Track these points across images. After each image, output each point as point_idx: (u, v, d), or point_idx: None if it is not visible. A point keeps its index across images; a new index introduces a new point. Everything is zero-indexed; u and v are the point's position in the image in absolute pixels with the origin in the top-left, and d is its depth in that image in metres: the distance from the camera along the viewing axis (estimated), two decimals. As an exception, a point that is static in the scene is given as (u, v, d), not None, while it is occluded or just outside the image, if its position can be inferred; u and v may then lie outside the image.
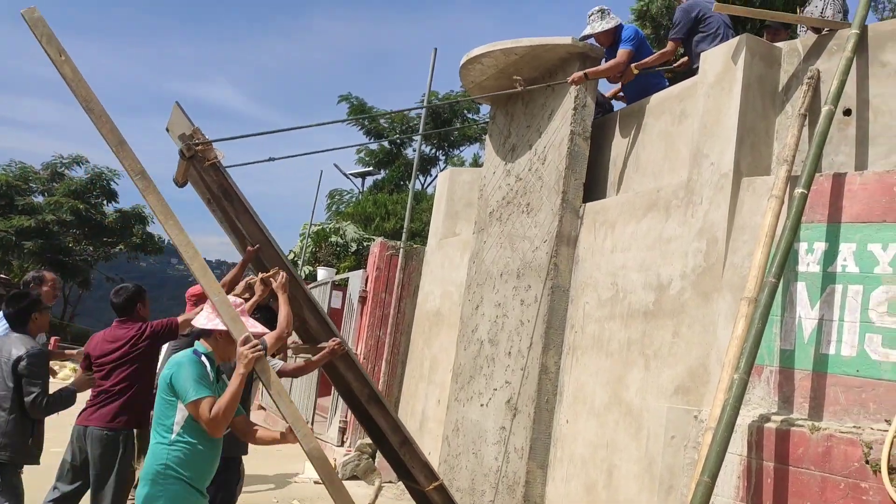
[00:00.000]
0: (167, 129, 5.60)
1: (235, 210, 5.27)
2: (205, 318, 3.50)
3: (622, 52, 5.94)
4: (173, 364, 3.32)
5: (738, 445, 3.75)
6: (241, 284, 4.72)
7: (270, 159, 5.61)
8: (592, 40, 6.18)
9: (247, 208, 5.30)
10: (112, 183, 36.23)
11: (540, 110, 6.47)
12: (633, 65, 5.99)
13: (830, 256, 3.90)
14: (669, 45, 5.95)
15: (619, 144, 6.04)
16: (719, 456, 3.45)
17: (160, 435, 3.25)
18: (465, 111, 24.86)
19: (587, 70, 5.91)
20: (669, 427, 4.20)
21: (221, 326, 3.44)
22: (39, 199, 35.24)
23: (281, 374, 4.65)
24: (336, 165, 21.70)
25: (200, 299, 5.23)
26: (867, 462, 3.30)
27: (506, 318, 6.32)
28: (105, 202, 36.62)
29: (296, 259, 15.22)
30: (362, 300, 8.87)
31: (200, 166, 5.09)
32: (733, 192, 4.40)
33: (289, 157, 5.57)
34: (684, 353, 4.53)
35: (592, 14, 6.10)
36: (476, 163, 23.91)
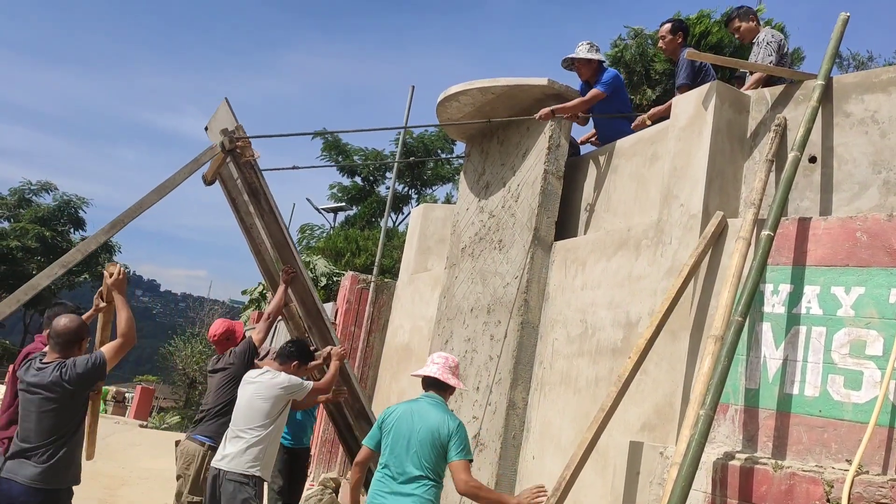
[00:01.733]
0: (206, 129, 5.94)
1: (261, 209, 5.71)
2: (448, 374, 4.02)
3: (594, 91, 6.07)
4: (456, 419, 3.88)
5: (703, 482, 3.76)
6: (324, 352, 5.68)
7: (295, 167, 6.72)
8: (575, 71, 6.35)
9: (272, 208, 5.76)
10: (80, 210, 35.80)
11: (514, 149, 6.57)
12: (643, 116, 6.05)
13: (795, 298, 3.98)
14: (677, 93, 6.01)
15: (591, 184, 6.15)
16: (684, 492, 3.46)
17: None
18: (439, 150, 25.08)
19: (554, 107, 6.03)
20: (634, 463, 4.20)
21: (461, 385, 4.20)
22: (5, 224, 34.62)
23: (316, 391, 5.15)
24: (308, 200, 21.69)
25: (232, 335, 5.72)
26: (828, 500, 3.33)
27: (475, 354, 6.31)
28: (72, 230, 36.09)
29: (265, 291, 15.09)
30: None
31: (237, 162, 5.48)
32: (702, 232, 4.48)
33: (312, 167, 5.98)
34: (651, 391, 4.56)
35: (583, 43, 6.25)
36: (449, 201, 24.09)
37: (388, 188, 24.12)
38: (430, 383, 4.01)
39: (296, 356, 5.10)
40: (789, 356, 3.91)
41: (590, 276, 5.45)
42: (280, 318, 6.35)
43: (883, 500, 3.16)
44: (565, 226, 6.15)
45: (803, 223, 4.11)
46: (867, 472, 3.34)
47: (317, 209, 21.52)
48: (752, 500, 3.60)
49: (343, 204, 22.48)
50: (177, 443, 5.40)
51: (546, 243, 5.98)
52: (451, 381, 4.00)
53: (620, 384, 4.20)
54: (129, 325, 3.96)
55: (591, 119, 6.72)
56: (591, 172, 6.16)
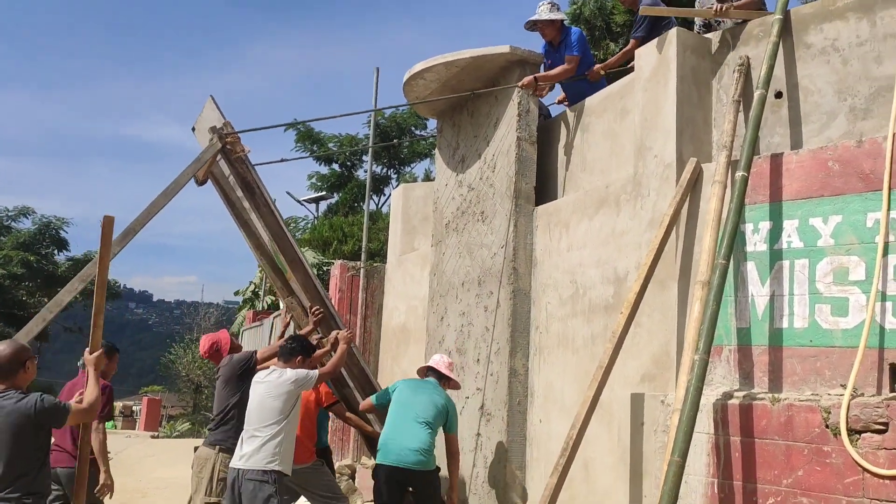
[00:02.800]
0: (192, 129, 6.02)
1: (256, 203, 5.84)
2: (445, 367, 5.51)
3: (571, 58, 6.10)
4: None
5: (705, 424, 3.85)
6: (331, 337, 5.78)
7: (283, 160, 6.78)
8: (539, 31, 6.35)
9: (267, 201, 5.88)
10: (61, 231, 35.53)
11: (485, 119, 6.58)
12: (597, 66, 6.20)
13: (775, 234, 4.05)
14: (631, 44, 6.08)
15: (565, 146, 6.17)
16: (687, 436, 3.54)
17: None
18: (413, 128, 24.99)
19: (537, 74, 6.06)
20: (637, 414, 4.29)
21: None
22: (-14, 254, 34.30)
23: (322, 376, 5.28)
24: (289, 193, 21.59)
25: (211, 352, 5.69)
26: (827, 426, 3.42)
27: (471, 327, 6.38)
28: (56, 251, 35.85)
29: (256, 290, 15.10)
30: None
31: (229, 158, 5.56)
32: (678, 181, 4.53)
33: (299, 157, 5.98)
34: (646, 342, 4.63)
35: (543, 4, 6.24)
36: (428, 178, 24.01)
37: (366, 171, 24.07)
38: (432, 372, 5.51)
39: (298, 351, 5.17)
40: (776, 291, 3.98)
41: (574, 237, 5.50)
42: (287, 318, 6.47)
43: (880, 420, 3.25)
44: (545, 190, 6.19)
45: (776, 159, 4.16)
46: (862, 395, 3.43)
47: (298, 201, 21.47)
48: (754, 436, 3.69)
49: (324, 193, 22.43)
50: (195, 449, 5.48)
51: (527, 210, 6.02)
52: (452, 375, 5.55)
53: (616, 340, 4.27)
54: (94, 401, 3.83)
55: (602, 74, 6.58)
56: (564, 134, 6.19)
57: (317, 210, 22.46)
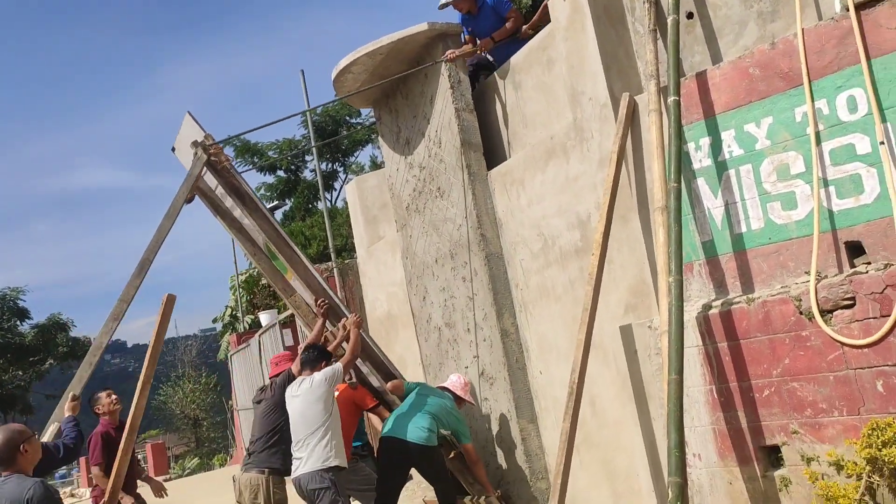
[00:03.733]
0: (173, 149, 6.17)
1: (248, 208, 6.01)
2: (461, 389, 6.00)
3: (512, 12, 6.37)
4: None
5: (692, 338, 4.09)
6: (341, 327, 5.98)
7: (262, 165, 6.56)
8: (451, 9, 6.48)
9: (258, 206, 6.09)
10: (19, 301, 34.78)
11: (420, 98, 6.69)
12: (525, 27, 6.39)
13: (716, 147, 4.27)
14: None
15: (502, 107, 6.32)
16: (679, 353, 3.78)
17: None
18: (347, 118, 24.89)
19: (494, 35, 6.30)
20: (629, 344, 4.52)
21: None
22: (-55, 340, 33.48)
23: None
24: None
25: (283, 359, 6.04)
26: (801, 313, 3.68)
27: (454, 299, 6.56)
28: (18, 322, 35.11)
29: (234, 312, 15.07)
30: (314, 329, 8.93)
31: (215, 168, 5.71)
32: (616, 117, 4.72)
33: (244, 171, 5.88)
34: (622, 276, 4.86)
35: None
36: (374, 163, 24.01)
37: (312, 171, 23.93)
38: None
39: (321, 357, 5.41)
40: (728, 200, 4.22)
41: (532, 192, 5.68)
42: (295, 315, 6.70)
43: (846, 297, 3.51)
44: (493, 153, 6.35)
45: (701, 77, 4.36)
46: (826, 277, 3.69)
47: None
48: (738, 338, 3.94)
49: (276, 202, 22.31)
50: (234, 479, 5.58)
51: (481, 176, 6.18)
52: (466, 397, 6.02)
53: (594, 281, 4.47)
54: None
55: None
56: (499, 96, 6.33)
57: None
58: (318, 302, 6.11)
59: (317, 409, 5.11)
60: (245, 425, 14.20)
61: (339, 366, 5.32)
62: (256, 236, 6.24)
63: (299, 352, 5.81)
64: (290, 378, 5.46)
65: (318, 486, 4.99)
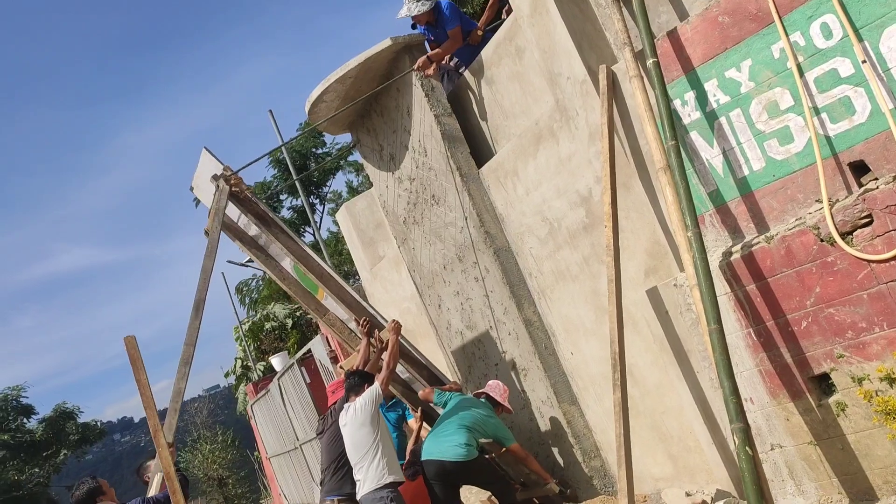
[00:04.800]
0: (191, 188, 6.30)
1: (274, 232, 6.14)
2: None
3: (454, 31, 6.36)
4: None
5: (720, 286, 4.16)
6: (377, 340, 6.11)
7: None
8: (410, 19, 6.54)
9: (282, 228, 6.17)
10: (22, 399, 34.43)
11: (396, 112, 6.74)
12: (476, 29, 6.48)
13: (702, 99, 4.34)
14: None
15: (479, 105, 6.38)
16: (713, 303, 3.85)
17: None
18: (313, 150, 24.91)
19: (429, 55, 6.27)
20: (658, 305, 4.58)
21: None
22: (-42, 453, 33.03)
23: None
24: (230, 261, 21.34)
25: (339, 386, 6.13)
26: (822, 240, 3.76)
27: (470, 301, 6.60)
28: (25, 420, 34.73)
29: (245, 363, 15.00)
30: (335, 360, 8.94)
31: (238, 198, 5.84)
32: (598, 91, 4.79)
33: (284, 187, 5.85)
34: (634, 242, 4.93)
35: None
36: (352, 188, 24.02)
37: (290, 209, 23.89)
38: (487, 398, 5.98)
39: (362, 381, 5.51)
40: (725, 147, 4.29)
41: (528, 181, 5.74)
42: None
43: (863, 215, 3.59)
44: (480, 151, 6.40)
45: (673, 35, 4.44)
46: (838, 201, 3.77)
47: (243, 265, 21.21)
48: (765, 277, 4.01)
49: (261, 246, 22.20)
50: None
51: (473, 175, 6.23)
52: (506, 403, 5.97)
53: (612, 251, 4.53)
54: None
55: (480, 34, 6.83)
56: (474, 94, 6.39)
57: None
58: (362, 322, 6.17)
59: (364, 432, 5.22)
60: (278, 471, 14.13)
61: (376, 386, 5.40)
62: (283, 260, 6.36)
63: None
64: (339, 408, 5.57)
65: None
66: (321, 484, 5.68)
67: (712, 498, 4.29)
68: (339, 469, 5.52)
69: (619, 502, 4.21)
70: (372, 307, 6.51)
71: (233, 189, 5.87)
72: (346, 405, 5.44)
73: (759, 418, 4.15)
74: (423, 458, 5.66)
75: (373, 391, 5.34)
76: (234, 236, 6.40)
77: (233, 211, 6.24)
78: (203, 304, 5.47)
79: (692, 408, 4.58)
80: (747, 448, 3.54)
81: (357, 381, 5.51)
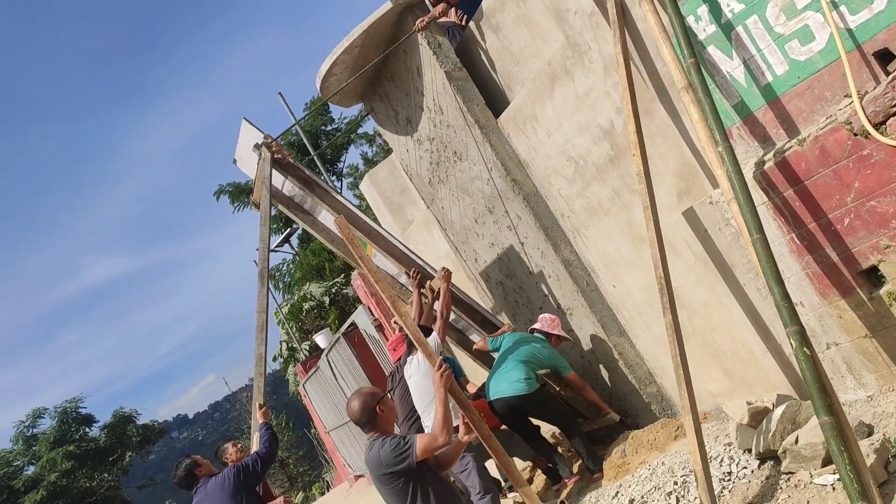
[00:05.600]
0: (234, 161, 6.55)
1: (320, 194, 6.37)
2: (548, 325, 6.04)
3: None
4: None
5: (757, 196, 4.16)
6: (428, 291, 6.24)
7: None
8: None
9: (327, 189, 6.38)
10: (80, 410, 35.48)
11: (407, 75, 6.74)
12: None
13: (716, 11, 4.29)
14: None
15: (488, 55, 6.36)
16: (754, 213, 3.86)
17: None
18: (323, 128, 24.92)
19: (426, 17, 6.26)
20: (697, 225, 4.60)
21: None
22: (30, 469, 34.26)
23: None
24: (258, 249, 21.58)
25: (399, 342, 6.24)
26: (856, 134, 3.74)
27: (506, 250, 6.66)
28: (87, 429, 35.85)
29: (291, 344, 15.29)
30: (379, 328, 9.10)
31: (281, 165, 6.03)
32: (609, 21, 4.76)
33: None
34: (662, 167, 4.93)
35: None
36: (367, 160, 24.05)
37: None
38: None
39: (423, 334, 5.59)
40: (745, 57, 4.25)
41: (547, 122, 5.74)
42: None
43: (894, 103, 3.57)
44: (495, 101, 6.40)
45: (677, -49, 4.38)
46: (867, 93, 3.74)
47: (272, 251, 21.49)
48: (801, 180, 4.01)
49: (288, 230, 22.44)
50: None
51: (492, 126, 6.24)
52: (557, 331, 6.10)
53: (644, 178, 4.54)
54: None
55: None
56: (481, 44, 6.37)
57: (292, 248, 22.51)
58: (412, 273, 6.29)
59: (427, 383, 5.38)
60: (339, 443, 14.48)
61: (434, 337, 5.54)
62: (330, 221, 6.52)
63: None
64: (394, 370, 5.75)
65: None
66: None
67: (773, 403, 4.35)
68: (413, 421, 5.76)
69: (683, 420, 4.29)
70: (420, 258, 6.63)
71: (275, 156, 6.00)
72: (409, 358, 5.63)
73: (811, 320, 4.19)
74: (489, 401, 5.84)
75: (434, 342, 5.48)
76: (279, 202, 6.54)
77: (276, 179, 6.38)
78: (267, 272, 5.80)
79: (742, 320, 4.63)
80: (805, 349, 3.58)
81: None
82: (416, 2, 6.35)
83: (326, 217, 6.58)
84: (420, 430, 5.72)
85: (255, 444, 5.47)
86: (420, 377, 5.49)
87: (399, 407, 5.90)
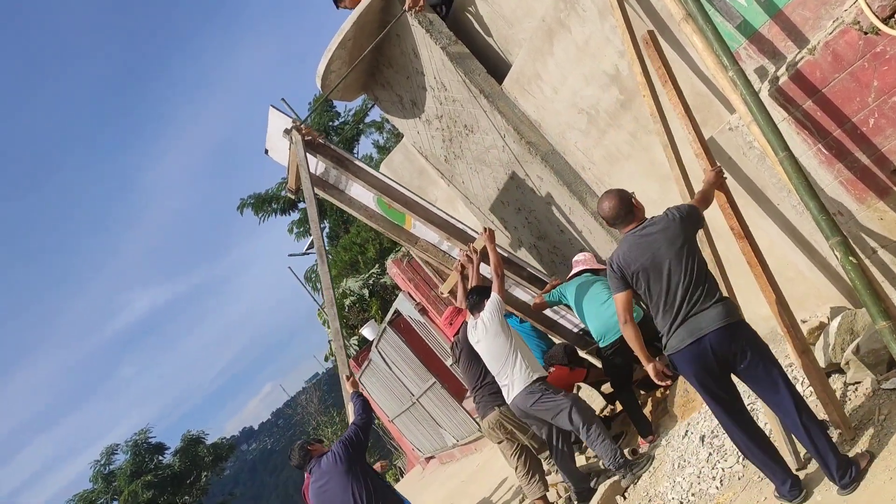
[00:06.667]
0: (266, 151, 6.67)
1: (353, 171, 6.44)
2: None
3: None
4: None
5: (777, 114, 4.10)
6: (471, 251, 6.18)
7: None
8: None
9: (360, 167, 6.45)
10: (150, 440, 36.42)
11: (403, 58, 6.73)
12: None
13: (702, -64, 4.21)
14: None
15: (480, 22, 6.32)
16: (776, 132, 3.82)
17: None
18: (330, 124, 24.96)
19: None
20: (719, 153, 4.55)
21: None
22: (114, 505, 35.37)
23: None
24: (291, 254, 21.86)
25: (452, 315, 6.23)
26: (866, 33, 3.66)
27: (533, 212, 6.66)
28: (160, 457, 36.80)
29: (350, 338, 15.47)
30: (423, 311, 9.19)
31: (312, 147, 6.15)
32: (595, -35, 4.70)
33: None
34: (676, 101, 4.87)
35: None
36: (380, 147, 24.07)
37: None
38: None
39: (481, 297, 5.68)
40: (740, -24, 4.18)
41: (552, 79, 5.70)
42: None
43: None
44: (496, 67, 6.36)
45: None
46: (870, -11, 3.65)
47: (304, 253, 21.73)
48: (819, 89, 3.94)
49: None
50: (481, 429, 6.24)
51: (497, 92, 6.21)
52: (596, 265, 6.06)
53: (659, 118, 4.51)
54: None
55: None
56: (472, 13, 6.33)
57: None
58: (486, 231, 6.10)
59: (499, 342, 5.44)
60: (404, 429, 14.69)
61: (495, 297, 5.57)
62: (366, 198, 6.55)
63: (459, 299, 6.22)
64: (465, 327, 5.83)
65: (533, 399, 5.35)
66: (476, 404, 5.97)
67: (828, 317, 4.33)
68: (485, 386, 5.82)
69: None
70: (460, 221, 6.68)
71: (305, 138, 6.06)
72: (472, 324, 5.63)
73: (852, 228, 4.14)
74: (603, 346, 5.77)
75: (494, 301, 5.52)
76: (314, 185, 6.55)
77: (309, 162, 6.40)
78: (324, 250, 6.03)
79: (782, 239, 4.59)
80: (851, 258, 3.55)
81: (476, 298, 5.69)
82: (401, -17, 6.31)
83: (362, 193, 6.61)
84: (492, 395, 5.78)
85: (350, 415, 5.67)
86: (490, 339, 5.46)
87: (465, 377, 5.97)
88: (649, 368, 3.85)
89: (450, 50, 6.22)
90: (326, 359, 18.73)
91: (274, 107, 6.25)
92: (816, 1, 3.92)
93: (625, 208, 3.93)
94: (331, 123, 23.81)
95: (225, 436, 45.43)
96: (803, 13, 4.00)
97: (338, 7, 6.88)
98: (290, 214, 24.70)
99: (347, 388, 5.79)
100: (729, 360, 3.57)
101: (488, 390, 5.81)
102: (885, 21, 3.59)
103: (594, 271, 6.06)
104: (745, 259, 4.23)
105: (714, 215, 5.00)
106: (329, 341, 16.91)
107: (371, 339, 13.53)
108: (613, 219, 3.98)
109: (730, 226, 4.23)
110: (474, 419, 10.62)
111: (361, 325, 14.97)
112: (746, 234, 4.21)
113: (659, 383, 3.92)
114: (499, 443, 6.04)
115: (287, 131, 6.04)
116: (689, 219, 3.80)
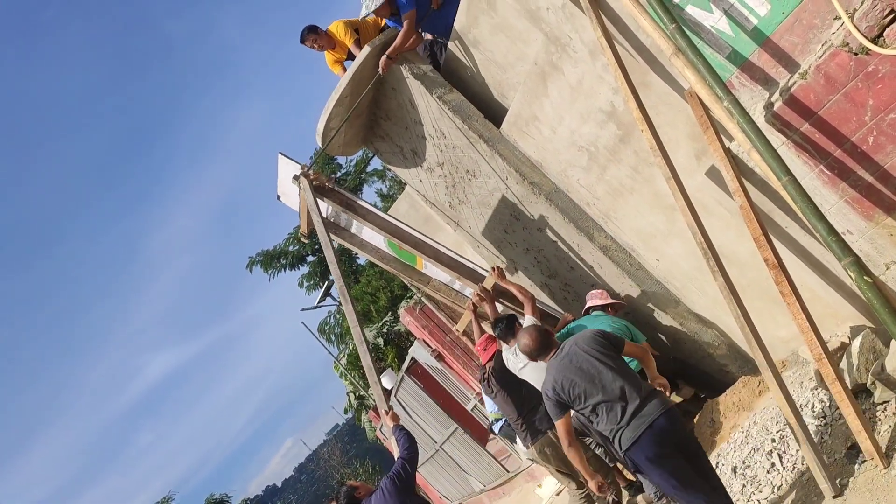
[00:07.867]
0: (278, 198, 6.74)
1: (362, 214, 6.48)
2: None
3: (408, 15, 6.29)
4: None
5: (776, 139, 4.13)
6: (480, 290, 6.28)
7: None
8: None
9: (369, 210, 6.52)
10: (215, 494, 36.60)
11: (400, 109, 6.82)
12: (388, 53, 6.30)
13: (684, -28, 4.29)
14: None
15: (474, 70, 6.41)
16: (776, 158, 3.83)
17: None
18: (332, 175, 25.21)
19: (388, 52, 6.26)
20: (722, 182, 4.57)
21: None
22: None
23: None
24: (303, 323, 21.88)
25: (487, 343, 6.19)
26: (856, 53, 3.70)
27: (542, 251, 6.67)
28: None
29: (357, 393, 15.39)
30: (439, 357, 9.15)
31: (321, 191, 6.24)
32: (582, 9, 4.78)
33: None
34: (673, 133, 4.91)
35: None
36: (383, 196, 24.22)
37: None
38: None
39: (511, 323, 5.75)
40: (725, 7, 4.22)
41: (549, 119, 5.76)
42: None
43: (886, 13, 3.51)
44: (493, 112, 6.44)
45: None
46: (856, 10, 3.69)
47: (316, 307, 21.75)
48: (815, 111, 3.96)
49: (327, 282, 22.70)
50: (530, 458, 6.22)
51: (496, 136, 6.28)
52: (609, 300, 6.02)
53: (658, 152, 4.53)
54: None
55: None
56: (466, 62, 6.42)
57: (334, 300, 22.75)
58: (494, 270, 6.33)
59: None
60: (430, 477, 14.49)
61: (530, 319, 5.60)
62: (377, 240, 6.60)
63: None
64: (500, 357, 5.83)
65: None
66: (524, 429, 5.88)
67: (849, 336, 4.29)
68: (530, 412, 5.77)
69: (763, 375, 4.23)
70: (470, 261, 6.72)
71: (313, 183, 6.14)
72: (511, 349, 5.61)
73: (863, 245, 4.12)
74: None
75: (531, 323, 5.52)
76: (329, 228, 6.62)
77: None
78: (345, 289, 6.18)
79: (794, 262, 4.57)
80: (865, 277, 3.54)
81: (506, 325, 5.71)
82: (390, 39, 6.41)
83: (373, 236, 6.67)
84: (538, 422, 5.73)
85: (394, 449, 5.58)
86: (534, 363, 5.40)
87: (505, 407, 5.90)
88: (591, 485, 4.36)
89: (446, 98, 6.30)
90: (346, 411, 18.60)
91: (283, 154, 6.37)
92: (802, 26, 3.97)
93: (543, 342, 4.43)
94: (333, 175, 24.02)
95: (248, 496, 45.03)
96: (791, 39, 4.04)
97: (302, 42, 6.98)
98: (298, 269, 24.82)
99: (388, 423, 5.73)
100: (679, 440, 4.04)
101: (533, 417, 5.78)
102: (874, 41, 3.62)
103: (610, 306, 6.03)
104: (779, 290, 4.21)
105: (726, 241, 5.01)
106: (347, 393, 16.83)
107: (389, 387, 13.44)
108: (535, 352, 4.45)
109: (764, 258, 4.23)
110: (500, 462, 10.48)
111: (379, 374, 14.86)
112: (780, 265, 4.19)
113: (598, 494, 4.44)
114: (549, 465, 5.98)
115: (295, 177, 6.16)
116: (599, 334, 4.35)
